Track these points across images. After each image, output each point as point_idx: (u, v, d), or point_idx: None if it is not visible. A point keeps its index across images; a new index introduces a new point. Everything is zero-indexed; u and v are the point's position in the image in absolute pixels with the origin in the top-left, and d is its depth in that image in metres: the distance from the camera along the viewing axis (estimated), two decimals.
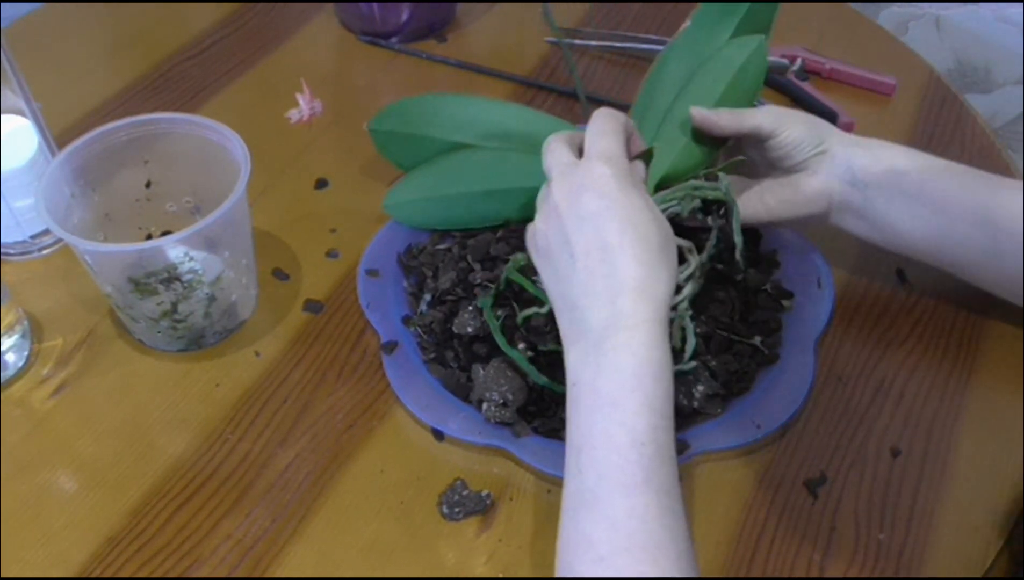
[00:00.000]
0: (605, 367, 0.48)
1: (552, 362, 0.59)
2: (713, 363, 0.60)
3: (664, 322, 0.49)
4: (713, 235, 0.57)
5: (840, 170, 0.60)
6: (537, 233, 0.54)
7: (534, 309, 0.58)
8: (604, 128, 0.54)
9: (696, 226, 0.57)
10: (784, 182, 0.62)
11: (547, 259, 0.53)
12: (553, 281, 0.52)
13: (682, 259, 0.54)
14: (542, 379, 0.58)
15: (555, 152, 0.55)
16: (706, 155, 0.61)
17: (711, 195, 0.57)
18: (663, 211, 0.54)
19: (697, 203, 0.57)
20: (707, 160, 0.62)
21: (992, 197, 0.58)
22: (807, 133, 0.60)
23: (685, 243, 0.54)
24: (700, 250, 0.56)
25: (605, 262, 0.49)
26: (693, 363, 0.56)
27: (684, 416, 0.59)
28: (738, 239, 0.58)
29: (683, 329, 0.55)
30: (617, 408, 0.46)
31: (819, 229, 0.69)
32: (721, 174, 0.58)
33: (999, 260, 0.58)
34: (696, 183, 0.58)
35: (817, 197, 0.61)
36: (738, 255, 0.58)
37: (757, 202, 0.62)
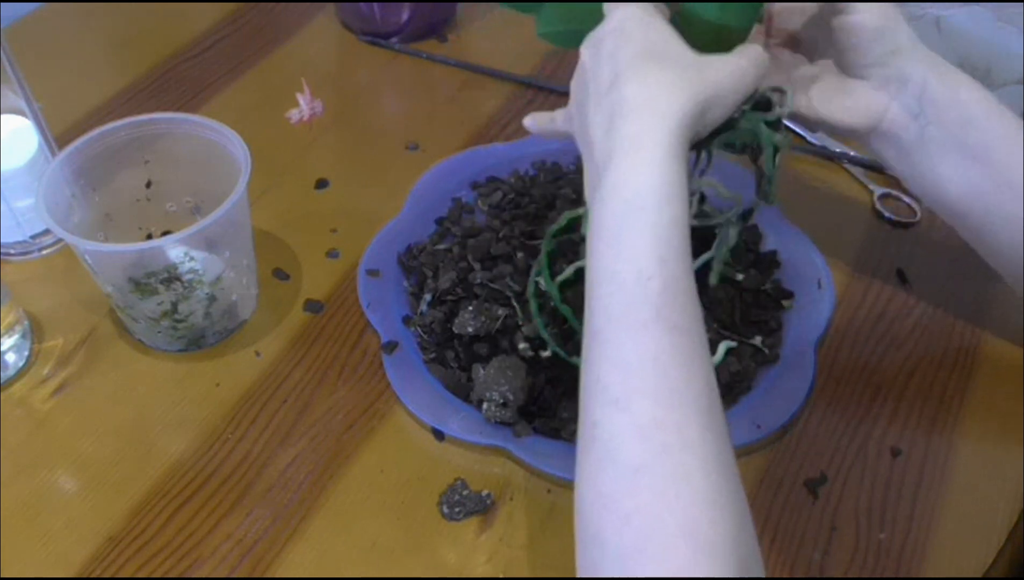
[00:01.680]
0: (606, 198, 0.45)
1: (553, 362, 0.60)
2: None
3: (674, 144, 0.45)
4: (729, 234, 0.55)
5: (909, 98, 0.54)
6: (582, 67, 0.52)
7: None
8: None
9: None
10: (839, 85, 0.56)
11: (581, 98, 0.51)
12: (582, 98, 0.51)
13: (768, 106, 0.52)
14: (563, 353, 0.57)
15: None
16: (754, 9, 0.53)
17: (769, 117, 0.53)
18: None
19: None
20: (755, 14, 0.53)
21: None
22: (886, 26, 0.53)
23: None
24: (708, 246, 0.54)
25: (612, 90, 0.47)
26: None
27: None
28: (769, 169, 0.53)
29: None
30: (617, 241, 0.44)
31: (820, 229, 0.69)
32: (788, 89, 0.53)
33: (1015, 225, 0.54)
34: (751, 115, 0.52)
35: (871, 116, 0.55)
36: (764, 195, 0.54)
37: (800, 92, 0.56)
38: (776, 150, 0.52)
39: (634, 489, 0.40)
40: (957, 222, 0.58)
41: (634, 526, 0.39)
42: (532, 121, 0.60)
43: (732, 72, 0.49)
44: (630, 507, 0.39)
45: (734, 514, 0.39)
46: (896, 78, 0.54)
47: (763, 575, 0.40)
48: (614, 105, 0.47)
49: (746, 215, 0.57)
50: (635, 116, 0.46)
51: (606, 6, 0.52)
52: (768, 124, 0.53)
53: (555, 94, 0.85)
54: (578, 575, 0.42)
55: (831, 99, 0.56)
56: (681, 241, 0.44)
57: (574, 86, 0.52)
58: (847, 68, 0.56)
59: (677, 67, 0.48)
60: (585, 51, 0.51)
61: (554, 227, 0.56)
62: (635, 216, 0.44)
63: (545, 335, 0.57)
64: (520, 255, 0.64)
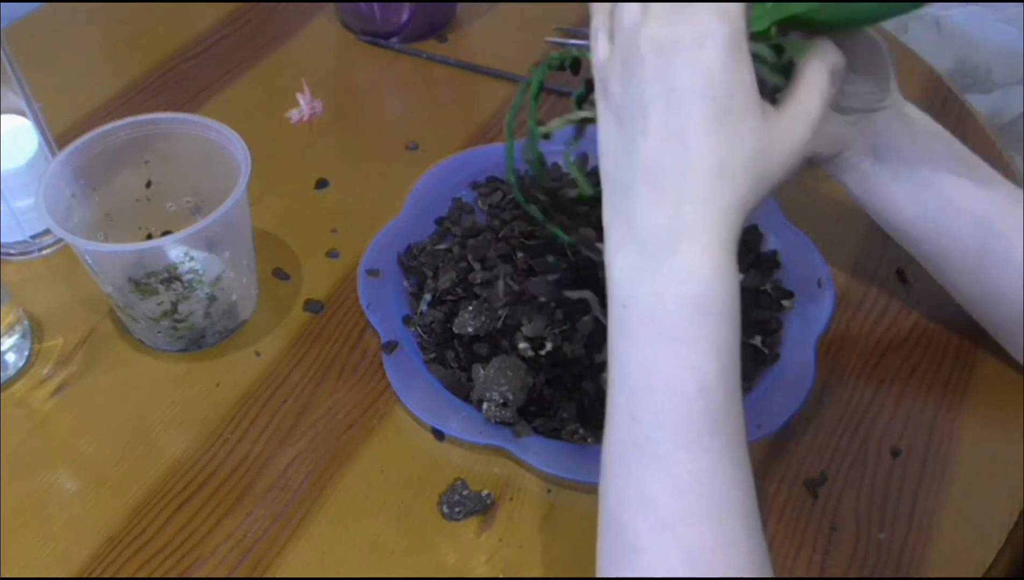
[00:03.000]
0: (666, 291, 0.41)
1: (554, 362, 0.60)
2: None
3: (737, 239, 0.42)
4: None
5: (874, 137, 0.56)
6: (611, 75, 0.44)
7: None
8: None
9: None
10: None
11: (615, 112, 0.45)
12: (614, 140, 0.44)
13: None
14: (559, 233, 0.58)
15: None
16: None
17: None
18: None
19: None
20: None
21: (993, 201, 0.56)
22: (879, 89, 0.54)
23: None
24: None
25: (680, 155, 0.41)
26: None
27: None
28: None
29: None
30: (681, 345, 0.40)
31: (820, 229, 0.69)
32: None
33: (988, 264, 0.57)
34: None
35: (838, 145, 0.56)
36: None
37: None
38: None
39: None
40: (911, 246, 0.60)
41: None
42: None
43: (796, 147, 0.44)
44: None
45: None
46: (869, 121, 0.55)
47: None
48: (679, 182, 0.42)
49: None
50: (703, 204, 0.41)
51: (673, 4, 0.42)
52: None
53: (555, 94, 0.85)
54: None
55: None
56: (738, 345, 0.41)
57: (622, 74, 0.44)
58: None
59: (752, 144, 0.42)
60: (651, 46, 0.42)
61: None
62: (701, 321, 0.41)
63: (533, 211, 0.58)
64: (520, 255, 0.64)
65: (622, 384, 0.43)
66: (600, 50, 0.47)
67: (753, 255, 0.67)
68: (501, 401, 0.58)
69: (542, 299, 0.61)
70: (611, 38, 0.46)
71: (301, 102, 0.83)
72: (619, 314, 0.43)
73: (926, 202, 0.57)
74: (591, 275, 0.62)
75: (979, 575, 0.53)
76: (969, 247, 0.57)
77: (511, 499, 0.57)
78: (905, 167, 0.57)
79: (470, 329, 0.60)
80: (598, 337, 0.60)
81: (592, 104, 0.50)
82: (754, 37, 0.46)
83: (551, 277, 0.62)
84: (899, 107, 0.57)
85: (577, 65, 0.54)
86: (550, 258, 0.63)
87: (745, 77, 0.42)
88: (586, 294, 0.62)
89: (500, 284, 0.62)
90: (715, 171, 0.42)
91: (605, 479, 0.43)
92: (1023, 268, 0.56)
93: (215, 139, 0.64)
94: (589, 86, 0.52)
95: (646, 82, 0.42)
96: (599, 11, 0.47)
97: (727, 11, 0.41)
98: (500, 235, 0.67)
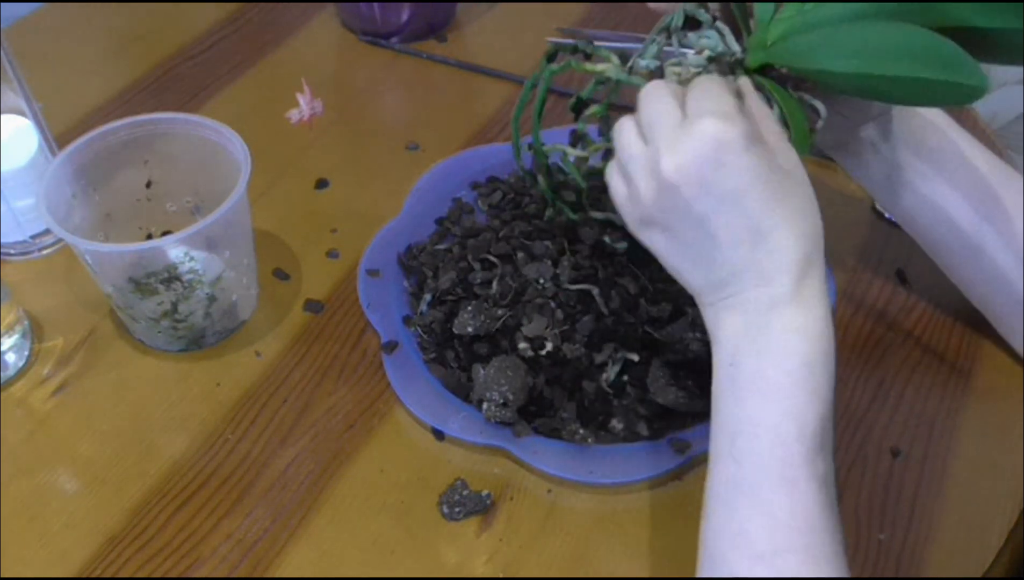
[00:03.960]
0: (774, 351, 0.45)
1: (554, 362, 0.60)
2: None
3: (825, 284, 0.46)
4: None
5: (868, 128, 0.57)
6: (641, 203, 0.48)
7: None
8: (709, 88, 0.47)
9: None
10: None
11: (663, 232, 0.48)
12: (680, 257, 0.48)
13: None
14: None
15: (656, 101, 0.47)
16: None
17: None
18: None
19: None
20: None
21: (990, 189, 0.57)
22: (861, 116, 0.56)
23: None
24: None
25: (760, 245, 0.45)
26: None
27: (684, 416, 0.59)
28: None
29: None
30: (785, 397, 0.44)
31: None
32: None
33: (985, 253, 0.58)
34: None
35: (843, 136, 0.58)
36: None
37: None
38: None
39: None
40: (910, 232, 0.61)
41: None
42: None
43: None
44: None
45: None
46: (864, 116, 0.57)
47: None
48: (771, 263, 0.45)
49: None
50: (800, 272, 0.45)
51: (690, 121, 0.46)
52: None
53: (555, 94, 0.85)
54: None
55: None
56: (833, 394, 0.45)
57: (656, 200, 0.47)
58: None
59: (802, 194, 0.46)
60: (675, 171, 0.45)
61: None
62: (807, 377, 0.44)
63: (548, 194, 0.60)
64: (520, 255, 0.64)
65: (722, 430, 0.46)
66: (618, 187, 0.50)
67: None
68: (501, 401, 0.58)
69: (541, 301, 0.61)
70: (622, 172, 0.49)
71: (301, 102, 0.83)
72: (726, 370, 0.47)
73: (922, 191, 0.58)
74: (590, 274, 0.62)
75: (979, 575, 0.53)
76: (966, 234, 0.58)
77: (511, 499, 0.57)
78: (902, 157, 0.57)
79: (470, 329, 0.60)
80: (598, 337, 0.60)
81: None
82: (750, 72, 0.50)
83: (549, 263, 0.62)
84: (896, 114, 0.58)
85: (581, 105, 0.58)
86: (547, 243, 0.63)
87: (765, 150, 0.45)
88: (587, 287, 0.62)
89: (500, 284, 0.62)
90: (793, 238, 0.45)
91: (706, 522, 0.46)
92: (1021, 256, 0.56)
93: (215, 139, 0.64)
94: (580, 101, 0.56)
95: (691, 202, 0.46)
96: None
97: (726, 114, 0.45)
98: (500, 235, 0.67)
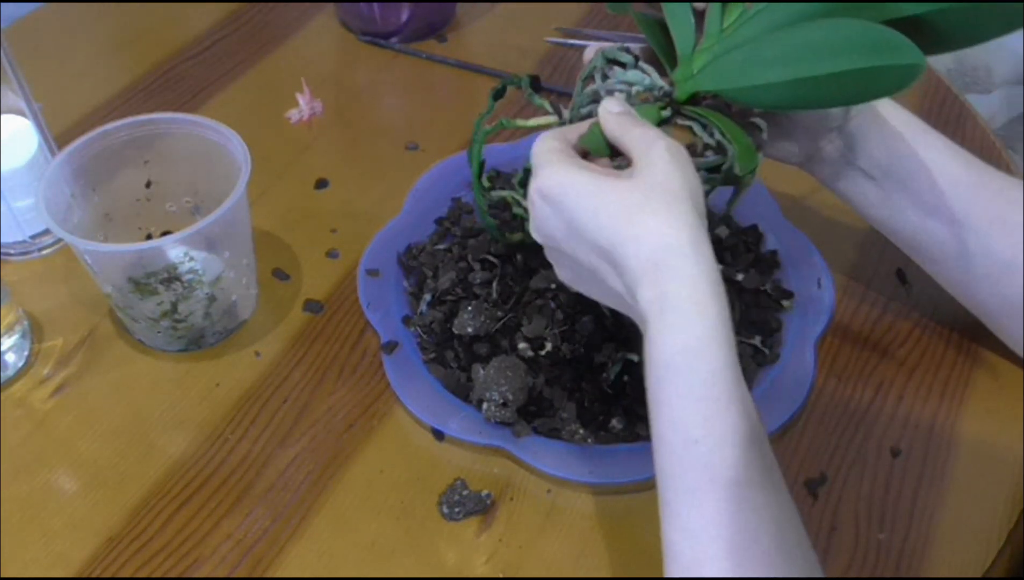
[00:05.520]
0: (652, 358, 0.44)
1: (554, 362, 0.60)
2: None
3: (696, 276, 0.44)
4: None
5: (839, 138, 0.57)
6: (539, 224, 0.50)
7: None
8: (537, 151, 0.50)
9: None
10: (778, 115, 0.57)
11: (559, 256, 0.50)
12: (576, 280, 0.50)
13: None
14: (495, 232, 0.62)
15: (544, 140, 0.50)
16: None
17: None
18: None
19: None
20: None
21: (968, 198, 0.56)
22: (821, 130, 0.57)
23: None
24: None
25: (616, 266, 0.45)
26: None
27: None
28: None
29: None
30: (661, 405, 0.44)
31: (820, 229, 0.69)
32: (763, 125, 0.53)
33: (966, 259, 0.57)
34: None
35: (791, 157, 0.59)
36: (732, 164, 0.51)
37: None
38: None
39: None
40: (892, 241, 0.61)
41: None
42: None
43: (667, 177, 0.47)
44: None
45: None
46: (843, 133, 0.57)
47: None
48: (637, 276, 0.45)
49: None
50: (655, 274, 0.44)
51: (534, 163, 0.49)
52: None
53: (555, 94, 0.85)
54: None
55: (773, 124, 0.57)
56: (724, 391, 0.43)
57: (544, 228, 0.49)
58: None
59: (655, 191, 0.46)
60: (540, 208, 0.48)
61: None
62: (670, 380, 0.43)
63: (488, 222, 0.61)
64: (520, 256, 0.64)
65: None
66: (532, 213, 0.51)
67: (753, 255, 0.67)
68: (501, 401, 0.58)
69: (540, 301, 0.61)
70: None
71: (301, 102, 0.83)
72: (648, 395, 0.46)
73: (898, 203, 0.58)
74: None
75: (979, 575, 0.53)
76: (946, 244, 0.57)
77: (511, 499, 0.57)
78: (875, 168, 0.57)
79: (470, 329, 0.60)
80: (598, 337, 0.60)
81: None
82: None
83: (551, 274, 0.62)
84: (871, 108, 0.57)
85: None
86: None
87: (588, 166, 0.48)
88: None
89: (500, 285, 0.62)
90: (646, 247, 0.45)
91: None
92: (1001, 262, 0.56)
93: (215, 139, 0.64)
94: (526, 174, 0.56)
95: (557, 238, 0.49)
96: None
97: (552, 169, 0.48)
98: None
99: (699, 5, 0.51)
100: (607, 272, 0.47)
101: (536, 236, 0.51)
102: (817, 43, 0.45)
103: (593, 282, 0.49)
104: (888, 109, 0.57)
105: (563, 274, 0.52)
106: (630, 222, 0.45)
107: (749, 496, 0.42)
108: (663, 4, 0.51)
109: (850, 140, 0.57)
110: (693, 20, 0.51)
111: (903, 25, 0.45)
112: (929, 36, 0.46)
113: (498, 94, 0.60)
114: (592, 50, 0.55)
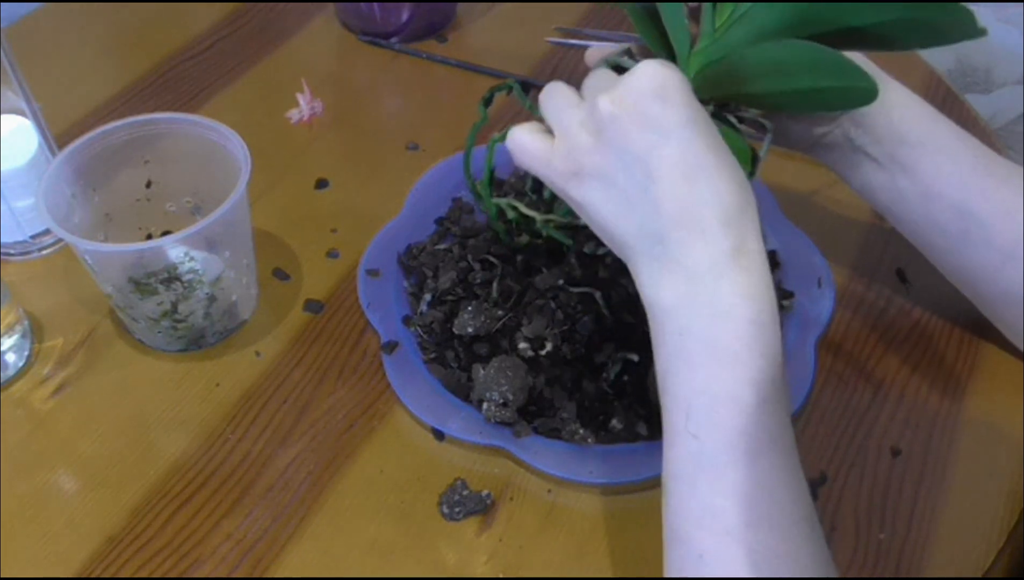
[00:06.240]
0: (720, 314, 0.43)
1: (554, 362, 0.60)
2: None
3: (761, 238, 0.45)
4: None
5: (846, 122, 0.57)
6: (571, 155, 0.46)
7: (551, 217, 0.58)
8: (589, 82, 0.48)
9: None
10: None
11: (596, 180, 0.46)
12: (612, 206, 0.46)
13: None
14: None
15: (593, 76, 0.48)
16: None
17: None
18: None
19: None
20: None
21: (973, 185, 0.56)
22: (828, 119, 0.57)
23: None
24: None
25: (698, 188, 0.43)
26: None
27: None
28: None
29: None
30: (740, 363, 0.42)
31: (820, 229, 0.69)
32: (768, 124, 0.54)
33: (967, 247, 0.57)
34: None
35: (797, 141, 0.59)
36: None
37: None
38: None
39: None
40: (895, 226, 0.61)
41: None
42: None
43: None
44: None
45: None
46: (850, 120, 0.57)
47: None
48: (711, 211, 0.44)
49: None
50: (739, 225, 0.44)
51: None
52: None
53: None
54: None
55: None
56: (781, 353, 0.44)
57: (594, 145, 0.46)
58: None
59: (728, 153, 0.46)
60: (617, 108, 0.45)
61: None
62: (758, 337, 0.43)
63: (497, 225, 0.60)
64: (520, 256, 0.64)
65: (676, 405, 0.44)
66: (537, 145, 0.49)
67: None
68: (501, 401, 0.58)
69: (541, 301, 0.61)
70: (542, 131, 0.49)
71: (301, 102, 0.83)
72: (676, 341, 0.45)
73: (902, 188, 0.57)
74: (591, 273, 0.62)
75: (979, 575, 0.53)
76: (949, 232, 0.57)
77: (511, 499, 0.57)
78: (881, 153, 0.57)
79: (470, 329, 0.60)
80: (598, 337, 0.60)
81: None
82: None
83: (554, 273, 0.62)
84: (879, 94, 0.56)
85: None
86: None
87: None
88: (588, 289, 0.62)
89: (500, 284, 0.62)
90: (736, 186, 0.44)
91: (667, 501, 0.45)
92: (1002, 252, 0.55)
93: (215, 139, 0.64)
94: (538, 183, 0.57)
95: (631, 137, 0.44)
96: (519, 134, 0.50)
97: (656, 62, 0.45)
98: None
99: (691, 4, 0.52)
100: (677, 178, 0.44)
101: (598, 151, 0.46)
102: (792, 61, 0.48)
103: (646, 193, 0.45)
104: (898, 95, 0.57)
105: (594, 193, 0.47)
106: (719, 155, 0.45)
107: (792, 463, 0.43)
108: (658, 5, 0.52)
109: (856, 125, 0.57)
110: (687, 22, 0.51)
111: (857, 33, 0.49)
112: (885, 42, 0.49)
113: (487, 102, 0.60)
114: (594, 55, 0.55)
